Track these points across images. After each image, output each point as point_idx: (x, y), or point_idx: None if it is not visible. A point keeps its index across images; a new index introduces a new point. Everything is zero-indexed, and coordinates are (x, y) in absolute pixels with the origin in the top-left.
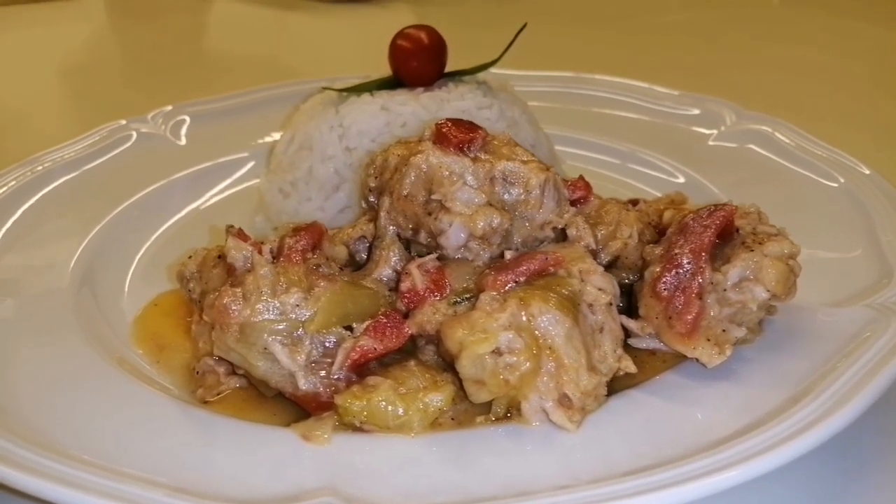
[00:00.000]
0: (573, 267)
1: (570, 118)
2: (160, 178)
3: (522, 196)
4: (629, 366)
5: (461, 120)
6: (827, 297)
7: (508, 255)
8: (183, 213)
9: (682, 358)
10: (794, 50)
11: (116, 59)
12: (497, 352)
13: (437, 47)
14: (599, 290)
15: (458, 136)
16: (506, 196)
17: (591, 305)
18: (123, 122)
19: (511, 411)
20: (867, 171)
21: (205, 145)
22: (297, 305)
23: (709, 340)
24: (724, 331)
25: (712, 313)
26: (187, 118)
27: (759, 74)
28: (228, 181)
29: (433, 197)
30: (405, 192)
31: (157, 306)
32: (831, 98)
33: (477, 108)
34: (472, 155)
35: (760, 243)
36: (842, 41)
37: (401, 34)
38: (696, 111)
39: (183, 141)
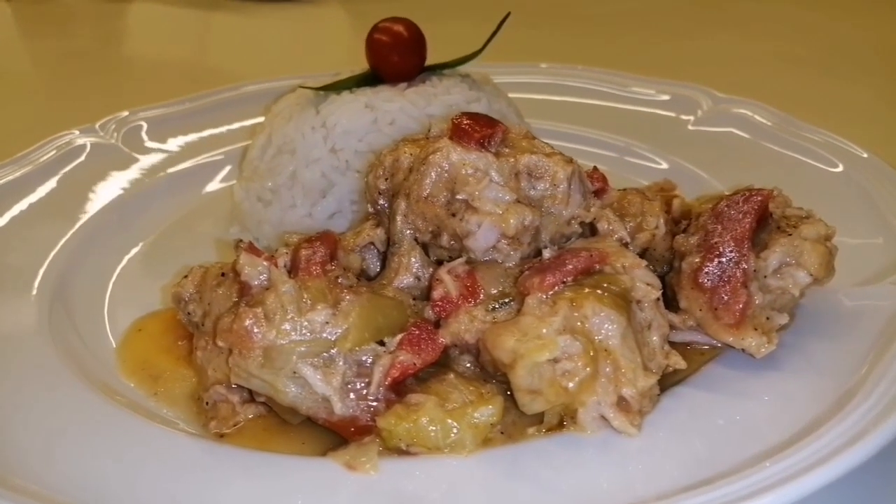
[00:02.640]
0: (616, 262)
1: (545, 109)
2: (118, 192)
3: (549, 191)
4: (678, 361)
5: (477, 114)
6: (846, 280)
7: (546, 254)
8: (150, 229)
9: (716, 349)
10: (758, 37)
11: (31, 69)
12: (554, 358)
13: (417, 40)
14: (648, 285)
15: (480, 130)
16: (531, 192)
17: (638, 302)
18: (77, 131)
19: (565, 419)
20: (865, 155)
21: (161, 154)
22: (327, 323)
23: (755, 330)
24: (767, 319)
25: (757, 301)
26: (142, 125)
27: (724, 61)
28: (193, 191)
29: (458, 197)
30: (425, 194)
31: (140, 331)
32: (793, 83)
33: (466, 101)
34: (493, 150)
35: (795, 227)
36: (799, 29)
37: (378, 28)
38: (669, 97)
39: (137, 150)
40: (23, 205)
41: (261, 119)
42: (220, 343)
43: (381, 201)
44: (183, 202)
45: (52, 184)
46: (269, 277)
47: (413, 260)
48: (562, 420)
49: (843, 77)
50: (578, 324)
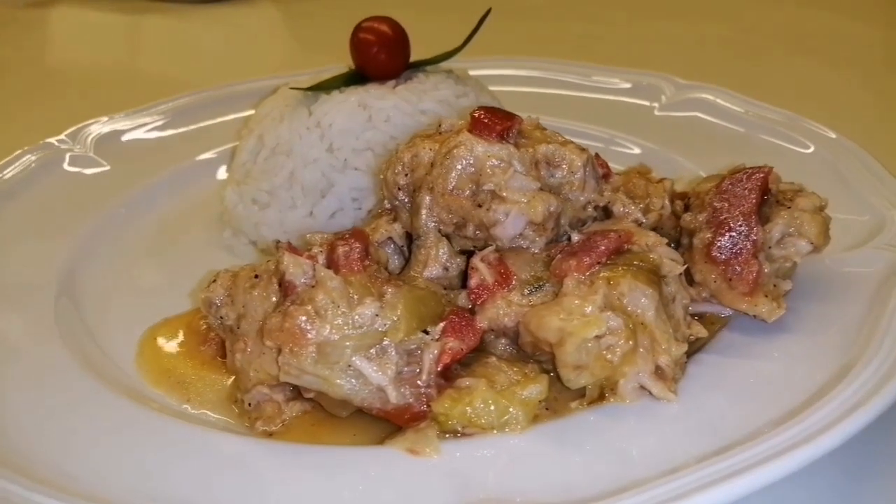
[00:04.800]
0: (640, 241)
1: (510, 100)
2: (94, 204)
3: (567, 178)
4: (700, 330)
5: (493, 107)
6: (831, 248)
7: (575, 237)
8: (138, 240)
9: (726, 318)
10: (702, 21)
11: None
12: (598, 334)
13: (402, 38)
14: (672, 260)
15: (501, 123)
16: (550, 179)
17: (664, 277)
18: (54, 140)
19: (605, 391)
20: (833, 135)
21: (132, 163)
22: (377, 315)
23: (766, 297)
24: (774, 286)
25: (766, 271)
26: (104, 133)
27: (674, 47)
28: (172, 198)
29: (484, 188)
30: (451, 186)
31: (156, 340)
32: (744, 66)
33: (455, 96)
34: (512, 141)
35: (791, 200)
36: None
37: (363, 28)
38: (631, 85)
39: (107, 160)
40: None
41: (223, 121)
42: (268, 343)
43: (402, 196)
44: (165, 211)
45: (27, 198)
46: (313, 276)
47: (441, 251)
48: (602, 392)
49: (792, 59)
50: (616, 300)
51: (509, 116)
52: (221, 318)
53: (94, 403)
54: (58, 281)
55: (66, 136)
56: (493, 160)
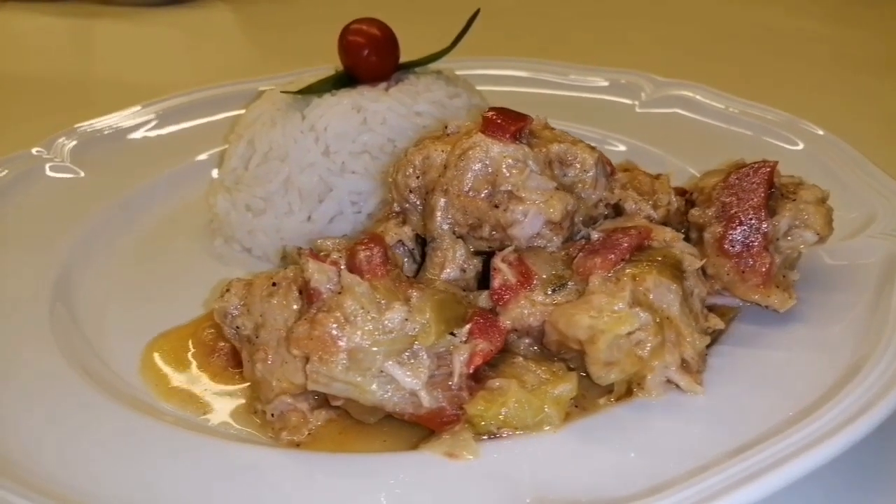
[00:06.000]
0: (658, 237)
1: (491, 100)
2: (74, 216)
3: (580, 176)
4: (717, 322)
5: (503, 108)
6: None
7: (595, 236)
8: (126, 252)
9: (734, 309)
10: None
11: None
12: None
13: (391, 40)
14: (691, 255)
15: (514, 123)
16: (563, 179)
17: (684, 272)
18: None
19: (633, 386)
20: (821, 132)
21: (111, 172)
22: (406, 320)
23: (777, 287)
24: (784, 277)
25: (777, 262)
26: (77, 142)
27: (651, 47)
28: (153, 208)
29: (501, 188)
30: (466, 188)
31: (159, 353)
32: (719, 63)
33: (448, 97)
34: (524, 141)
35: (794, 192)
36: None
37: (352, 30)
38: (608, 83)
39: (84, 170)
40: None
41: (200, 126)
42: (294, 352)
43: (413, 198)
44: (149, 220)
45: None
46: (339, 282)
47: (458, 253)
48: (629, 387)
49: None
50: (642, 296)
51: (521, 117)
52: (237, 328)
53: (110, 421)
54: (48, 295)
55: (41, 146)
56: (510, 160)
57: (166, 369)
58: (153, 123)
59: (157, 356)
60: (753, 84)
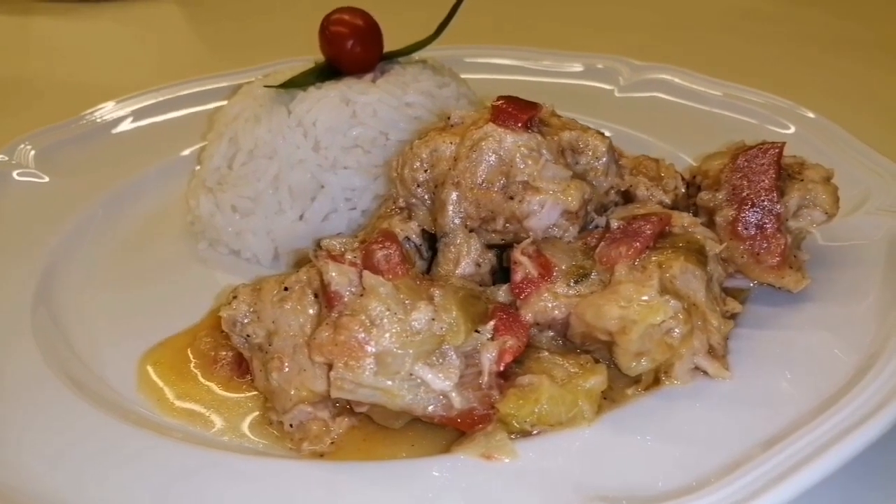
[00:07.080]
0: (677, 222)
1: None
2: (45, 225)
3: (592, 164)
4: (735, 305)
5: (512, 97)
6: None
7: (615, 224)
8: (108, 259)
9: (745, 290)
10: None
11: None
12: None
13: (374, 30)
14: (712, 239)
15: (525, 112)
16: (575, 167)
17: (706, 256)
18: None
19: (661, 375)
20: (812, 115)
21: (78, 176)
22: (432, 319)
23: (791, 268)
24: (795, 257)
25: (789, 243)
26: (44, 148)
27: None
28: (130, 211)
29: (517, 179)
30: (480, 180)
31: (156, 366)
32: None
33: (437, 87)
34: (536, 130)
35: (800, 172)
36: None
37: (333, 20)
38: (584, 68)
39: (49, 175)
40: None
41: (166, 124)
42: (316, 359)
43: (421, 192)
44: (124, 225)
45: None
46: (360, 283)
47: (473, 247)
48: (657, 376)
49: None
50: (669, 283)
51: (532, 105)
52: (248, 336)
53: (119, 441)
54: (29, 314)
55: (2, 152)
56: (524, 150)
57: (168, 383)
58: (121, 123)
59: (155, 370)
60: (729, 66)
